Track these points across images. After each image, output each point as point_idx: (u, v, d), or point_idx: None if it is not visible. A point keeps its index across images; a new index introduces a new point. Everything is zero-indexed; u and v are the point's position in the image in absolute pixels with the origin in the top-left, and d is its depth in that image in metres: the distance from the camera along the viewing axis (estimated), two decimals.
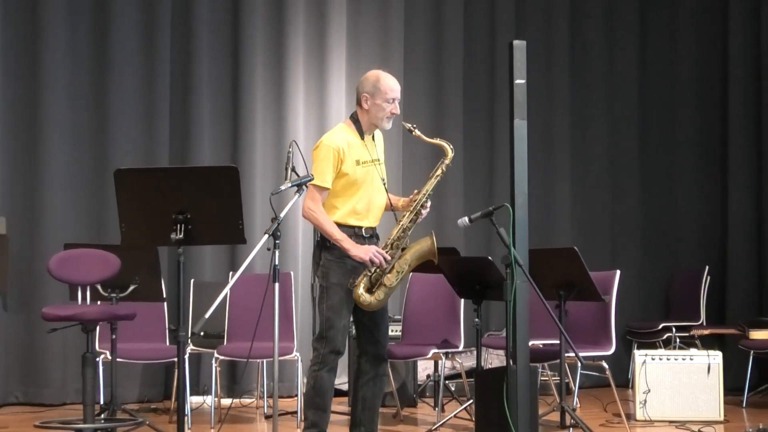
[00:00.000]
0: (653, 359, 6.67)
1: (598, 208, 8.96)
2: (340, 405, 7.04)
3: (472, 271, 6.12)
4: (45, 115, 7.42)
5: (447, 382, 7.12)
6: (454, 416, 6.39)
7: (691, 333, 8.10)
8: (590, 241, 8.55)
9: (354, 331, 5.19)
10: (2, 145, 7.35)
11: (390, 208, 5.08)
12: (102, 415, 5.95)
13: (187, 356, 5.73)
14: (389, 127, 5.05)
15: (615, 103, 9.06)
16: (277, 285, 4.58)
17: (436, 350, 6.52)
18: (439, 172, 5.06)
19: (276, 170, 7.79)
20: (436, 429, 6.23)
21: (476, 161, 8.65)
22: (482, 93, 8.73)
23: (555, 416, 6.21)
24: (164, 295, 6.60)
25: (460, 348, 6.69)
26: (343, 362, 7.44)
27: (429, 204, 5.04)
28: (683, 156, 9.13)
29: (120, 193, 4.61)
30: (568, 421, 6.02)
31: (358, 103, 5.00)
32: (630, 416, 6.63)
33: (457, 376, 7.32)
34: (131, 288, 5.97)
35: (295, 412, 6.66)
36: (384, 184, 5.01)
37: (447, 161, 5.08)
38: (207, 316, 4.44)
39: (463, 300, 6.59)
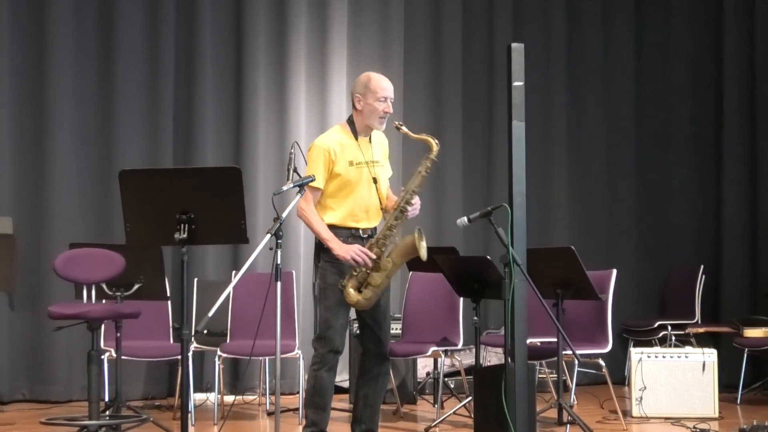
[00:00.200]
0: (649, 357, 6.67)
1: (594, 208, 8.98)
2: (341, 402, 7.08)
3: (470, 271, 6.13)
4: (51, 117, 7.45)
5: (446, 379, 7.13)
6: (454, 413, 6.40)
7: (687, 331, 8.11)
8: (587, 240, 8.56)
9: (356, 330, 5.22)
10: (9, 146, 7.38)
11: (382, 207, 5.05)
12: (107, 412, 5.98)
13: (190, 354, 5.77)
14: (383, 127, 5.01)
15: (611, 104, 9.08)
16: (279, 284, 4.57)
17: (436, 348, 6.53)
18: (422, 168, 4.96)
19: (278, 171, 7.81)
20: (435, 426, 6.25)
21: (475, 162, 8.68)
22: (481, 95, 8.75)
23: (552, 413, 6.23)
24: (168, 294, 6.56)
25: (459, 346, 6.71)
26: (344, 360, 7.46)
27: (417, 201, 4.94)
28: (678, 156, 9.15)
29: (125, 193, 4.62)
30: (565, 417, 6.03)
31: (353, 104, 5.01)
32: (626, 413, 6.64)
33: (456, 373, 7.36)
34: (136, 287, 5.97)
35: (297, 409, 6.68)
36: (375, 184, 4.95)
37: (432, 156, 4.97)
38: (210, 314, 4.45)
39: (462, 299, 6.60)
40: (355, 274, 4.83)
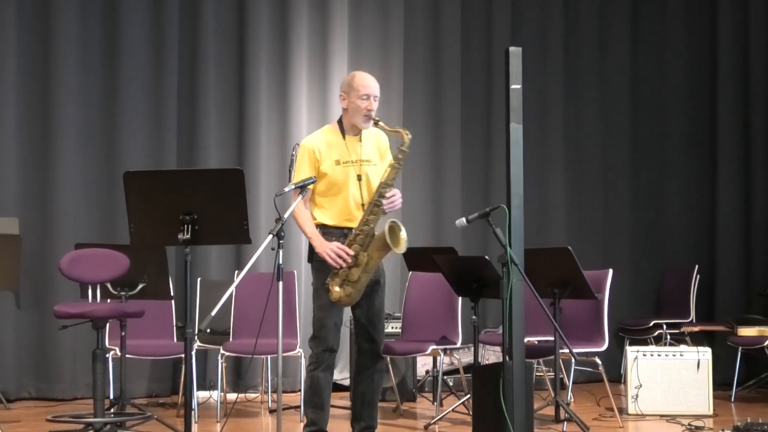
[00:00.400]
0: (645, 355, 6.69)
1: (591, 208, 9.01)
2: (341, 399, 7.13)
3: (469, 270, 6.15)
4: (57, 120, 7.49)
5: (445, 377, 7.18)
6: (452, 410, 6.42)
7: (681, 330, 8.09)
8: (584, 240, 8.60)
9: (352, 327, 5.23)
10: (16, 149, 7.42)
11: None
12: (112, 410, 5.99)
13: (194, 352, 5.61)
14: (368, 125, 4.94)
15: (607, 105, 9.11)
16: (280, 283, 4.62)
17: (435, 347, 6.54)
18: (394, 160, 4.91)
19: (280, 172, 7.85)
20: (434, 423, 6.27)
21: (473, 164, 8.72)
22: (479, 96, 8.79)
23: (550, 410, 6.26)
24: (172, 294, 6.62)
25: (458, 344, 6.71)
26: (345, 358, 7.58)
27: (395, 194, 4.88)
28: (674, 158, 9.19)
29: (129, 194, 4.64)
30: (562, 415, 6.07)
31: (341, 104, 5.03)
32: (622, 410, 6.67)
33: (455, 371, 7.40)
34: (140, 286, 5.99)
35: (299, 407, 6.61)
36: (360, 182, 4.91)
37: (403, 148, 4.91)
38: (213, 313, 4.48)
39: (460, 298, 6.61)
40: (336, 271, 4.81)
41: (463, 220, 5.14)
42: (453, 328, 6.72)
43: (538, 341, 6.71)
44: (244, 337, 6.71)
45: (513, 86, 5.03)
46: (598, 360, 6.42)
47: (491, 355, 7.79)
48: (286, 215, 4.65)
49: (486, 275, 5.94)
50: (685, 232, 9.13)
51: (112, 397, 6.29)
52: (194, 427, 5.99)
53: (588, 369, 7.43)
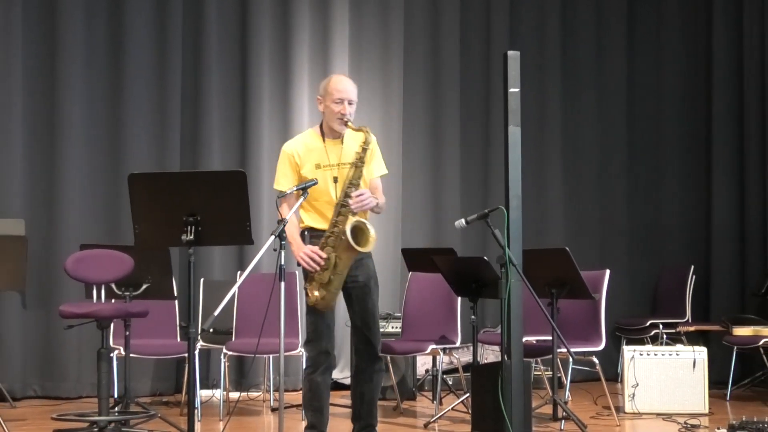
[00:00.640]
0: (641, 354, 6.73)
1: (588, 210, 9.03)
2: (343, 399, 7.17)
3: (468, 271, 6.17)
4: (62, 121, 7.53)
5: (445, 376, 7.21)
6: (452, 409, 6.45)
7: (678, 329, 8.14)
8: (581, 241, 8.61)
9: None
10: (22, 152, 7.46)
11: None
12: (116, 408, 6.01)
13: (197, 352, 5.72)
14: (343, 130, 4.88)
15: (604, 108, 9.14)
16: (282, 284, 4.61)
17: (435, 346, 6.55)
18: (355, 158, 4.83)
19: None
20: (434, 421, 6.29)
21: (472, 165, 8.75)
22: (478, 97, 8.82)
23: (547, 409, 6.31)
24: (175, 294, 6.63)
25: (457, 344, 6.72)
26: (345, 357, 7.65)
27: (362, 193, 4.76)
28: (669, 159, 9.22)
29: (133, 196, 4.64)
30: (560, 413, 6.10)
31: (318, 107, 5.00)
32: (619, 409, 6.69)
33: (455, 370, 7.43)
34: (144, 287, 6.01)
35: (300, 405, 6.63)
36: (336, 184, 4.83)
37: (365, 146, 4.83)
38: (216, 313, 4.48)
39: (459, 298, 6.62)
40: (311, 275, 4.79)
41: (463, 221, 5.17)
42: (452, 327, 6.72)
43: (536, 341, 6.73)
44: (247, 336, 6.72)
45: (511, 89, 5.07)
46: (595, 359, 6.44)
47: (490, 354, 7.81)
48: (287, 216, 4.66)
49: (485, 275, 5.96)
50: (681, 232, 9.15)
51: (116, 395, 6.27)
52: (197, 426, 6.06)
53: (585, 368, 7.40)
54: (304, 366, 5.01)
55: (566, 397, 6.79)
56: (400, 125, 8.51)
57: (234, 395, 7.26)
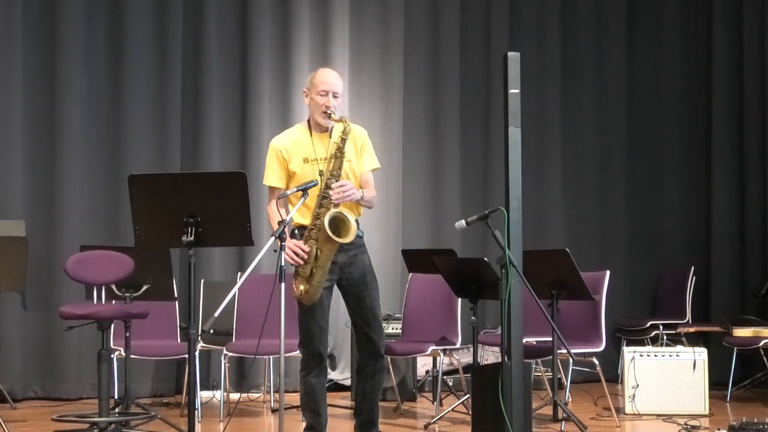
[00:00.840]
0: (641, 355, 6.72)
1: (588, 210, 9.04)
2: (343, 399, 7.19)
3: (468, 272, 6.18)
4: (62, 124, 7.54)
5: (445, 377, 7.21)
6: (452, 410, 6.44)
7: (678, 330, 8.14)
8: (581, 242, 8.61)
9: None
10: (23, 153, 7.46)
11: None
12: (116, 409, 6.01)
13: (197, 353, 5.65)
14: (327, 123, 4.85)
15: (604, 108, 9.14)
16: (282, 285, 4.61)
17: (435, 347, 6.55)
18: (334, 149, 4.79)
19: None
20: (434, 422, 6.30)
21: (472, 166, 8.75)
22: (478, 97, 8.82)
23: (548, 410, 6.32)
24: (176, 295, 6.64)
25: (458, 345, 6.71)
26: (346, 358, 7.66)
27: (344, 184, 4.72)
28: (669, 160, 9.22)
29: (134, 197, 4.65)
30: (560, 414, 6.10)
31: (304, 100, 4.98)
32: (619, 410, 6.69)
33: (455, 371, 7.43)
34: (144, 288, 6.02)
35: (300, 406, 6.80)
36: (321, 176, 4.78)
37: (344, 136, 4.79)
38: (216, 314, 4.49)
39: (460, 299, 6.61)
40: (297, 270, 4.78)
41: (463, 222, 5.17)
42: (452, 328, 6.72)
43: (537, 342, 6.74)
44: (247, 337, 6.72)
45: (511, 90, 5.07)
46: (595, 360, 6.45)
47: (490, 355, 7.82)
48: (288, 217, 4.66)
49: (485, 277, 5.97)
50: (681, 233, 9.16)
51: (116, 396, 6.28)
52: (197, 427, 6.02)
53: (585, 369, 7.43)
54: (300, 368, 5.01)
55: (566, 398, 6.81)
56: (400, 125, 8.51)
57: (234, 396, 7.26)
